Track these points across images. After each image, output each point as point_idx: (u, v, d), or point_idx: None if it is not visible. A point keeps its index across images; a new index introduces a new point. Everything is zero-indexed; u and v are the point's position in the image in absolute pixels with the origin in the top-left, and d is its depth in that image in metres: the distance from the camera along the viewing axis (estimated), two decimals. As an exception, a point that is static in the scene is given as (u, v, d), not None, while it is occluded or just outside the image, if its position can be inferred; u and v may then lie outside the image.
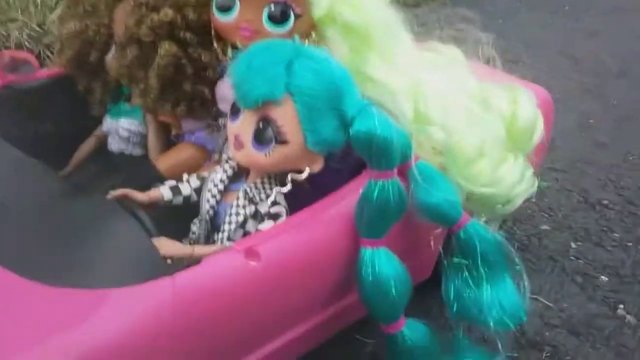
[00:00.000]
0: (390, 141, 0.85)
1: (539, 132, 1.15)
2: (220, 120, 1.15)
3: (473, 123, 1.04)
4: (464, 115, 1.03)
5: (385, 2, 1.13)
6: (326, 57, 0.90)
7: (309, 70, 0.86)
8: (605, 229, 1.66)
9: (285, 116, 0.86)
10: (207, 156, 1.15)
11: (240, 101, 0.88)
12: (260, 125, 0.89)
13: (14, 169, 0.96)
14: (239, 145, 0.92)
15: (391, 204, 0.88)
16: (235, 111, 0.94)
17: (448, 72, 1.14)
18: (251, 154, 0.90)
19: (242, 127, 0.92)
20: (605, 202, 1.78)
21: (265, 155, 0.89)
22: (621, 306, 1.40)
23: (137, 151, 1.23)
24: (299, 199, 0.96)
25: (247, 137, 0.91)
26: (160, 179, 1.11)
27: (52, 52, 2.18)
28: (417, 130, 0.99)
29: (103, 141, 1.27)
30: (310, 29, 1.07)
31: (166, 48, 1.07)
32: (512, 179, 1.04)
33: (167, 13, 1.07)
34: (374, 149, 0.85)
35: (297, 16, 1.03)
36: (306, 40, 1.03)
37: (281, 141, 0.88)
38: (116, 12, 1.18)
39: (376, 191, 0.88)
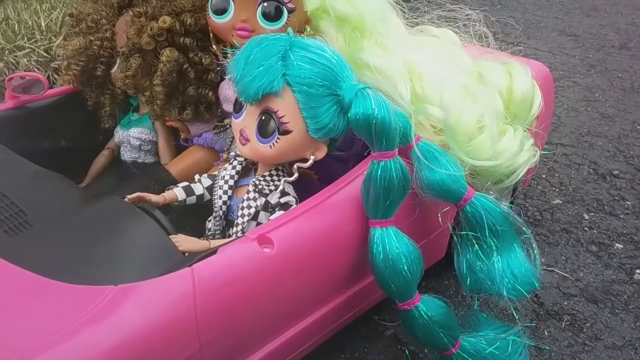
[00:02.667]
0: (389, 121, 0.88)
1: (537, 103, 1.17)
2: (226, 121, 1.18)
3: (470, 99, 1.06)
4: (460, 92, 1.05)
5: None
6: (320, 45, 0.93)
7: (304, 59, 0.89)
8: (617, 197, 1.67)
9: (286, 106, 0.90)
10: (217, 157, 1.18)
11: (242, 96, 0.92)
12: (263, 118, 0.92)
13: (33, 181, 1.00)
14: (245, 139, 0.95)
15: (394, 182, 0.91)
16: (238, 107, 0.98)
17: (442, 53, 1.17)
18: (257, 147, 0.94)
19: (245, 121, 0.95)
20: (616, 172, 1.79)
21: (270, 146, 0.92)
22: (638, 271, 1.41)
23: (149, 158, 1.26)
24: (308, 191, 0.99)
25: (252, 131, 0.94)
26: (173, 182, 1.16)
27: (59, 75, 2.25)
28: (416, 110, 1.01)
29: (116, 152, 1.31)
30: (304, 22, 1.10)
31: (167, 54, 1.11)
32: (513, 150, 1.05)
33: (165, 20, 1.11)
34: (373, 130, 0.88)
35: (290, 11, 1.07)
36: (301, 34, 1.06)
37: (284, 131, 0.91)
38: (117, 25, 1.22)
39: (379, 171, 0.90)
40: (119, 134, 1.26)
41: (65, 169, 1.12)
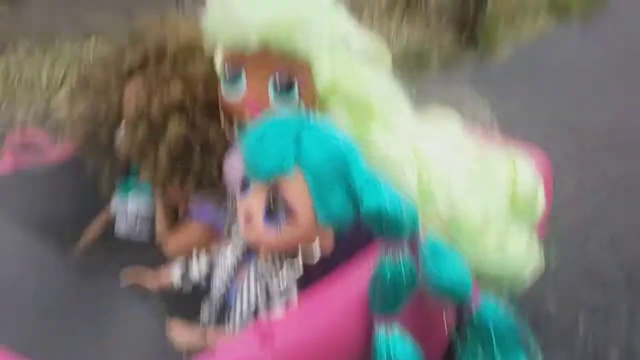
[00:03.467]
0: (400, 217, 0.84)
1: (541, 202, 1.14)
2: (228, 197, 1.14)
3: (475, 192, 1.03)
4: (466, 183, 1.03)
5: (384, 74, 1.15)
6: (332, 129, 0.91)
7: (316, 143, 0.87)
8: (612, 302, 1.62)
9: (295, 190, 0.86)
10: (217, 234, 1.13)
11: (251, 175, 0.88)
12: (271, 199, 0.88)
13: (22, 251, 0.95)
14: (249, 221, 0.91)
15: (403, 280, 0.87)
16: (244, 186, 0.94)
17: (447, 139, 1.14)
18: (262, 231, 0.89)
19: (251, 202, 0.91)
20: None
21: (276, 230, 0.88)
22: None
23: (145, 231, 1.21)
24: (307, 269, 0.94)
25: (258, 212, 0.90)
26: (169, 261, 1.10)
27: (57, 133, 2.21)
28: (422, 200, 0.98)
29: (111, 222, 1.26)
30: (313, 99, 1.08)
31: (176, 123, 1.08)
32: (519, 253, 1.02)
33: (176, 88, 1.08)
34: (384, 225, 0.84)
35: (301, 87, 1.04)
36: (310, 111, 1.04)
37: (292, 216, 0.87)
38: (125, 91, 1.20)
39: (388, 268, 0.86)
40: (117, 202, 1.22)
41: (58, 237, 1.07)
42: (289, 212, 0.86)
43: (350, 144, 0.90)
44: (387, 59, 1.16)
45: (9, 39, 2.99)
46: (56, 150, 1.25)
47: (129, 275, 0.93)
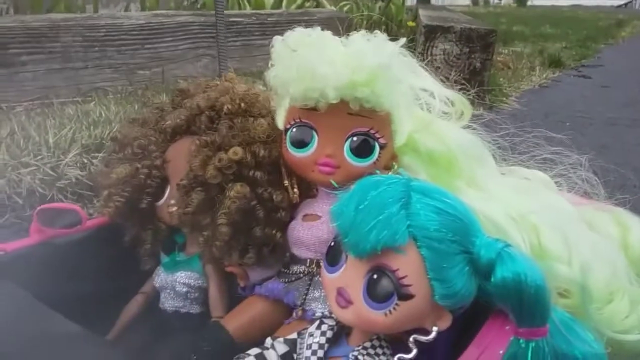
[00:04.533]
0: (543, 289, 0.70)
1: (656, 259, 1.02)
2: (295, 268, 1.00)
3: (596, 253, 0.90)
4: (585, 245, 0.90)
5: (464, 129, 1.06)
6: (443, 190, 0.78)
7: (429, 207, 0.73)
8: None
9: (409, 265, 0.72)
10: (284, 311, 0.98)
11: (352, 249, 0.74)
12: (375, 277, 0.74)
13: (55, 335, 0.79)
14: (345, 301, 0.76)
15: (547, 364, 0.72)
16: (333, 259, 0.80)
17: (540, 198, 1.03)
18: (365, 313, 0.74)
19: (347, 279, 0.77)
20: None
21: (385, 314, 0.73)
22: None
23: (195, 309, 1.05)
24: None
25: (357, 291, 0.75)
26: (230, 342, 0.94)
27: (65, 197, 2.07)
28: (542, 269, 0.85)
29: (152, 299, 1.10)
30: (391, 159, 0.97)
31: (238, 189, 0.94)
32: None
33: (237, 151, 0.96)
34: (525, 300, 0.70)
35: (382, 147, 0.93)
36: (388, 172, 0.92)
37: (405, 295, 0.72)
38: (169, 152, 1.07)
39: (530, 353, 0.71)
40: (161, 277, 1.06)
41: (92, 317, 0.92)
42: (401, 289, 0.72)
43: (466, 207, 0.76)
44: (468, 113, 1.06)
45: (6, 101, 2.90)
46: (90, 221, 1.10)
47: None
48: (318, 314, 0.87)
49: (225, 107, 1.01)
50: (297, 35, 0.92)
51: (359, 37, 0.92)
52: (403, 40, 0.98)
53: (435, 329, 0.75)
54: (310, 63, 0.87)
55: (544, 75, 5.33)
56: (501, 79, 4.42)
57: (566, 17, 12.08)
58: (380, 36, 0.93)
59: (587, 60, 6.87)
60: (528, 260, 0.71)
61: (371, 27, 4.12)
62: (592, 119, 3.90)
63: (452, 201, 0.75)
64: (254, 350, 0.85)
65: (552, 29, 9.17)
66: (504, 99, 3.99)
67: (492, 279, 0.71)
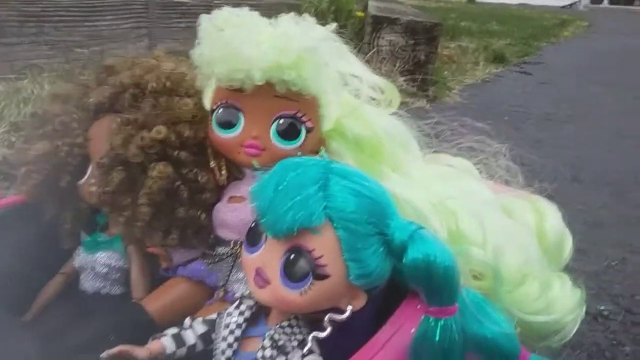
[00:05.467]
0: (452, 270, 0.72)
1: (568, 245, 1.07)
2: (219, 249, 0.99)
3: (510, 239, 0.94)
4: (500, 230, 0.93)
5: (392, 115, 1.07)
6: (361, 173, 0.78)
7: (348, 190, 0.74)
8: (614, 342, 1.56)
9: (324, 245, 0.72)
10: (207, 293, 0.97)
11: (269, 230, 0.74)
12: (292, 257, 0.74)
13: None
14: (263, 281, 0.76)
15: (456, 344, 0.74)
16: (252, 240, 0.80)
17: (462, 184, 1.06)
18: (281, 292, 0.75)
19: (265, 259, 0.77)
20: (606, 312, 1.70)
21: (301, 293, 0.74)
22: None
23: (115, 289, 1.03)
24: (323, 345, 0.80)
25: (274, 271, 0.75)
26: (150, 324, 0.93)
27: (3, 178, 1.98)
28: (456, 252, 0.87)
29: (71, 279, 1.07)
30: (318, 143, 0.97)
31: (160, 169, 0.93)
32: (566, 302, 0.93)
33: (161, 130, 0.94)
34: (434, 280, 0.72)
35: (308, 130, 0.93)
36: (315, 154, 0.93)
37: (320, 275, 0.73)
38: (92, 130, 1.04)
39: (438, 331, 0.73)
40: (81, 257, 1.03)
41: (7, 297, 0.89)
42: (317, 269, 0.72)
43: (383, 190, 0.77)
44: (396, 101, 1.07)
45: None
46: (6, 198, 1.06)
47: (115, 349, 0.76)
48: (238, 295, 0.86)
49: (150, 85, 0.99)
50: (225, 15, 0.91)
51: (287, 20, 0.91)
52: (334, 25, 0.98)
53: (349, 308, 0.76)
54: (236, 43, 0.86)
55: (487, 70, 5.48)
56: (445, 72, 4.51)
57: (513, 15, 12.39)
58: (309, 19, 0.93)
59: (529, 58, 7.09)
60: (439, 242, 0.73)
61: (319, 15, 4.11)
62: (529, 114, 4.03)
63: (369, 184, 0.76)
64: (171, 330, 0.84)
65: (499, 26, 9.39)
66: (447, 92, 4.08)
67: (404, 260, 0.72)
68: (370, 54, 3.58)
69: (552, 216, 1.06)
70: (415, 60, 3.82)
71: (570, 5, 21.92)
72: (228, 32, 0.88)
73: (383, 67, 3.56)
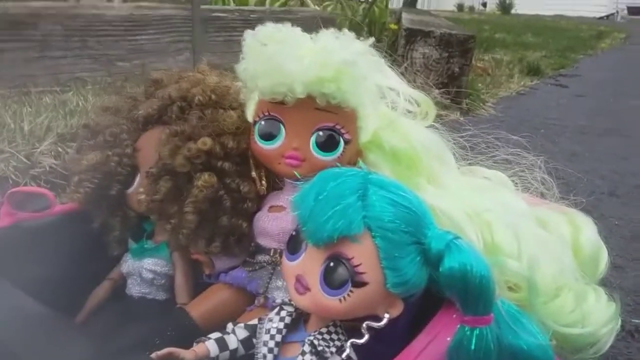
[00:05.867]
0: (488, 280, 0.74)
1: (604, 259, 1.07)
2: (259, 257, 1.03)
3: (545, 250, 0.95)
4: (535, 242, 0.94)
5: (428, 128, 1.10)
6: (399, 184, 0.81)
7: (386, 200, 0.77)
8: (651, 359, 1.54)
9: (363, 254, 0.75)
10: (247, 299, 1.01)
11: (310, 238, 0.77)
12: (331, 265, 0.77)
13: (23, 317, 0.80)
14: (303, 288, 0.79)
15: (492, 353, 0.75)
16: (293, 248, 0.83)
17: (497, 196, 1.07)
18: (321, 299, 0.78)
19: (305, 266, 0.80)
20: (643, 328, 1.68)
21: (340, 300, 0.77)
22: None
23: (161, 295, 1.08)
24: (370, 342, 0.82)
25: (314, 279, 0.79)
26: (195, 328, 0.97)
27: (38, 184, 2.06)
28: (491, 263, 0.89)
29: (118, 285, 1.12)
30: (356, 155, 1.00)
31: (205, 179, 0.97)
32: (601, 315, 0.93)
33: (206, 142, 0.98)
34: (470, 290, 0.74)
35: (346, 142, 0.97)
36: (352, 167, 0.96)
37: (359, 283, 0.76)
38: (141, 141, 1.09)
39: (474, 340, 0.75)
40: (129, 263, 1.08)
41: (60, 300, 0.93)
42: (356, 277, 0.75)
43: (420, 200, 0.80)
44: (432, 113, 1.10)
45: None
46: (59, 206, 1.12)
47: (164, 351, 0.79)
48: (278, 302, 0.90)
49: (197, 98, 1.04)
50: (268, 30, 0.95)
51: (327, 35, 0.95)
52: (371, 39, 1.01)
53: (386, 315, 0.79)
54: (279, 58, 0.90)
55: (522, 83, 5.44)
56: (479, 85, 4.50)
57: (548, 27, 12.24)
58: (348, 34, 0.96)
59: (565, 70, 7.00)
60: (475, 252, 0.75)
61: (353, 28, 4.16)
62: (565, 127, 3.99)
63: (407, 194, 0.79)
64: (215, 334, 0.87)
65: (534, 37, 9.31)
66: (481, 104, 4.07)
67: (441, 269, 0.74)
68: (404, 66, 3.59)
69: (587, 229, 1.07)
70: (449, 72, 3.82)
71: (607, 16, 21.54)
72: (271, 47, 0.92)
73: (417, 79, 3.57)
